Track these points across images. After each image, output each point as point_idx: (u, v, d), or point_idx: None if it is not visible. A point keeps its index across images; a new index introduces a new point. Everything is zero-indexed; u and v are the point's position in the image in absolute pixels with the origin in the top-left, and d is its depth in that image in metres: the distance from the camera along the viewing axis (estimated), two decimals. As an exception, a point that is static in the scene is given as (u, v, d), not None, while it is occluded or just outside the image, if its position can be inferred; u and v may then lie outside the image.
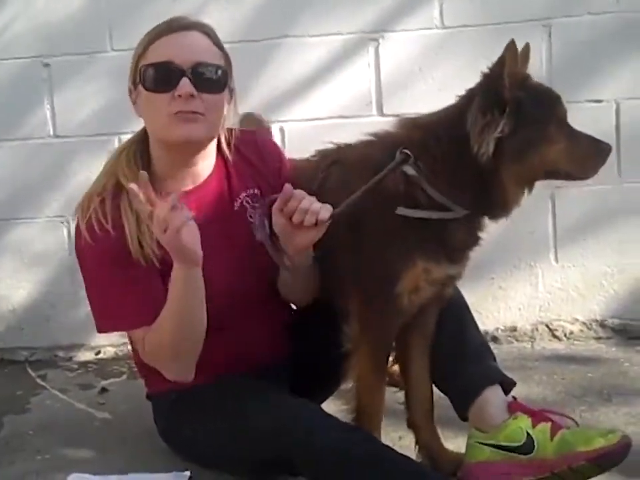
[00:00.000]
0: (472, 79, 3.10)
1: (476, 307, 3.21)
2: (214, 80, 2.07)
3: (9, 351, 3.47)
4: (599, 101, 3.18)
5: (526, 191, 2.00)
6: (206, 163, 2.17)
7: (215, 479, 2.16)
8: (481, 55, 3.10)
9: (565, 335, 3.22)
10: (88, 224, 2.05)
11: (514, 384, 2.11)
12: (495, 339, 3.23)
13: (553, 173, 1.96)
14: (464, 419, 2.10)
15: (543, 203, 3.20)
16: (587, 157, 1.92)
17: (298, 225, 1.91)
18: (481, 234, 2.09)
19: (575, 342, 3.19)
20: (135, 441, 2.48)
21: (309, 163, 2.29)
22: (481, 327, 3.15)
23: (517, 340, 3.24)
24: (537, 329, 3.25)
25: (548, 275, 3.25)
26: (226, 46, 3.23)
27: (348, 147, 2.20)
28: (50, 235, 3.42)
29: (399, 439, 2.27)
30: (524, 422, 1.94)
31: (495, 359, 2.16)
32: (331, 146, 2.25)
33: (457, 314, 2.20)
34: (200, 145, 2.11)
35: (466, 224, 2.02)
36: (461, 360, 2.11)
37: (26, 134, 3.39)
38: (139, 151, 2.14)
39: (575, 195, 3.19)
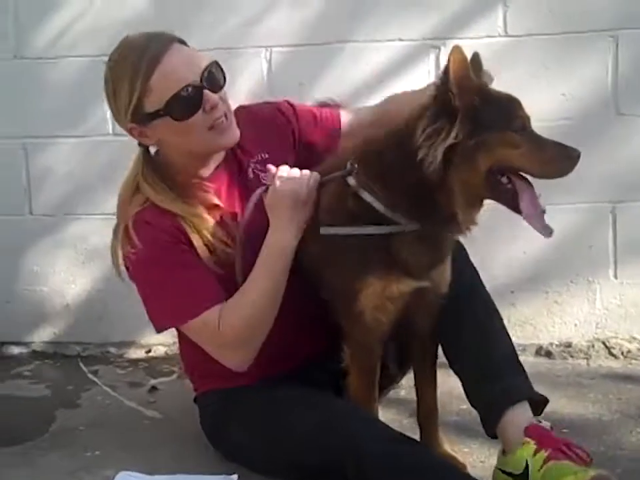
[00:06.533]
0: (534, 89, 3.09)
1: (530, 321, 3.22)
2: (220, 76, 2.13)
3: (62, 345, 3.52)
4: (666, 114, 3.12)
5: (474, 201, 1.95)
6: None
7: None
8: (544, 65, 3.10)
9: (622, 354, 3.14)
10: (139, 227, 2.11)
11: (545, 401, 2.05)
12: (548, 354, 3.18)
13: (501, 171, 1.89)
14: (493, 437, 2.06)
15: (603, 217, 3.15)
16: (552, 161, 1.89)
17: None
18: (446, 247, 2.04)
19: (633, 361, 3.11)
20: (183, 441, 2.49)
21: None
22: (535, 341, 3.19)
23: (571, 356, 3.17)
24: (593, 346, 3.18)
25: (606, 290, 3.19)
26: (289, 49, 3.25)
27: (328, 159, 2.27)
28: (105, 231, 3.38)
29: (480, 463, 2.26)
30: (528, 450, 1.90)
31: (523, 372, 2.09)
32: None
33: (480, 325, 2.14)
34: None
35: (418, 238, 1.97)
36: (484, 377, 2.06)
37: (86, 131, 3.43)
38: (153, 174, 2.17)
39: (637, 209, 3.13)
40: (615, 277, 3.18)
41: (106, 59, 3.29)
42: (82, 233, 3.48)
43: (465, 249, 2.23)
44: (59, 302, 3.51)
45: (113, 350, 3.47)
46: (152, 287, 2.14)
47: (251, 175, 2.26)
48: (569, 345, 3.20)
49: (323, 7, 3.24)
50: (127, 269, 2.17)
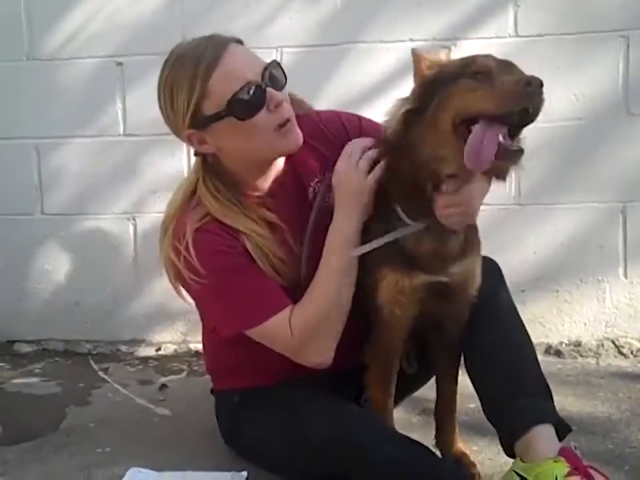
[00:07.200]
0: (545, 89, 3.08)
1: (539, 319, 3.22)
2: (281, 75, 2.06)
3: (72, 342, 3.55)
4: (677, 114, 3.11)
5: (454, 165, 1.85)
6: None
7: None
8: (555, 65, 3.10)
9: (632, 353, 3.15)
10: (203, 237, 2.03)
11: (569, 430, 1.99)
12: (558, 353, 3.19)
13: (471, 121, 1.78)
14: (510, 455, 2.00)
15: (613, 217, 3.15)
16: (504, 92, 1.73)
17: None
18: (453, 241, 1.98)
19: (642, 360, 3.13)
20: (193, 439, 2.50)
21: None
22: (545, 340, 3.19)
23: (581, 355, 3.18)
24: (602, 345, 3.19)
25: (616, 290, 3.19)
26: (299, 49, 3.27)
27: None
28: (116, 231, 3.48)
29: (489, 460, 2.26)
30: (560, 468, 1.83)
31: (552, 399, 2.04)
32: None
33: (514, 344, 2.08)
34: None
35: (422, 231, 1.96)
36: (514, 396, 1.99)
37: (97, 131, 3.45)
38: (217, 181, 2.10)
39: (647, 209, 3.15)
40: (625, 276, 3.18)
41: (117, 59, 3.38)
42: (93, 232, 3.50)
43: (493, 260, 2.21)
44: (69, 300, 3.53)
45: (123, 348, 3.49)
46: (219, 293, 2.05)
47: (311, 196, 2.18)
48: (578, 344, 3.21)
49: (334, 7, 3.25)
50: (184, 281, 2.07)
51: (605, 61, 3.12)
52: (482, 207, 3.13)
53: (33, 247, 3.54)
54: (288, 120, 2.03)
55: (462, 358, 2.18)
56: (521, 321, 2.13)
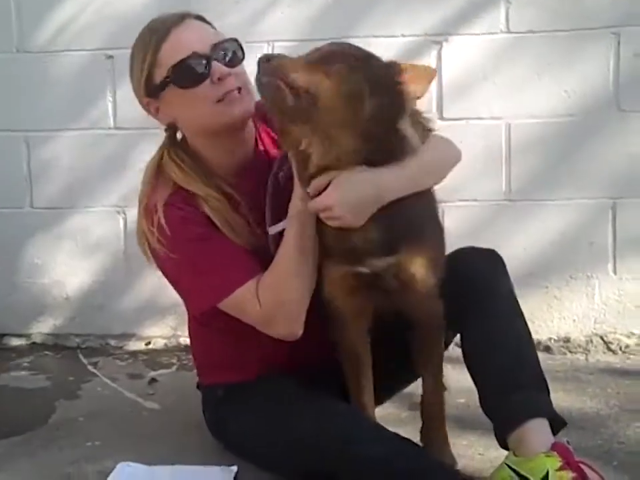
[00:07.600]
0: (536, 85, 3.11)
1: (529, 316, 3.15)
2: (238, 52, 2.10)
3: (62, 336, 3.53)
4: (667, 111, 3.12)
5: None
6: (249, 140, 2.20)
7: (260, 475, 2.15)
8: (546, 62, 3.11)
9: (621, 349, 3.16)
10: (168, 211, 2.04)
11: (564, 424, 1.99)
12: (547, 349, 3.19)
13: None
14: (503, 447, 1.99)
15: (603, 213, 3.16)
16: None
17: None
18: (359, 234, 1.92)
19: (631, 356, 3.12)
20: (182, 433, 2.49)
21: None
22: (534, 336, 3.12)
23: (570, 351, 3.19)
24: (591, 341, 3.19)
25: (605, 286, 3.19)
26: (291, 44, 3.27)
27: None
28: (106, 224, 3.47)
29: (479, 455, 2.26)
30: (552, 462, 1.82)
31: (549, 394, 2.03)
32: None
33: (513, 337, 2.07)
34: (247, 119, 2.14)
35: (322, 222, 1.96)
36: (510, 389, 1.98)
37: (87, 124, 3.44)
38: (182, 153, 2.13)
39: (637, 205, 3.14)
40: (614, 272, 3.19)
41: (108, 52, 3.37)
42: (83, 225, 3.49)
43: (493, 252, 2.20)
44: (59, 294, 3.52)
45: (112, 342, 3.48)
46: (189, 266, 2.06)
47: (280, 180, 2.13)
48: (567, 340, 3.21)
49: (325, 2, 3.24)
50: (156, 258, 2.09)
51: (595, 58, 3.12)
52: (473, 203, 3.17)
53: (23, 240, 3.52)
54: (235, 90, 2.05)
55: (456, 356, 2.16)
56: (521, 312, 2.13)
